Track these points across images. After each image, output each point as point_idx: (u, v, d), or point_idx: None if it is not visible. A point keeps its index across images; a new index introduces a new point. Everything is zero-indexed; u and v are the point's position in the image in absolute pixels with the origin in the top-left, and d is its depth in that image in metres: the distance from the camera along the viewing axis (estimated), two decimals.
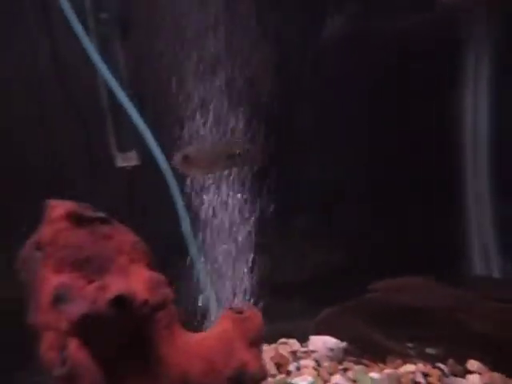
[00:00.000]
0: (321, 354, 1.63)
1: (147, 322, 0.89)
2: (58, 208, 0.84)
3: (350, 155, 2.02)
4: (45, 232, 0.84)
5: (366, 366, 1.55)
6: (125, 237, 0.88)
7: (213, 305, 1.53)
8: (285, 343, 1.76)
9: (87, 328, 0.78)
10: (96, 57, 1.58)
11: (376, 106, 1.97)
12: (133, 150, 1.72)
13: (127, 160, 1.74)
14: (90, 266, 0.82)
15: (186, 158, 1.33)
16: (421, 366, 1.50)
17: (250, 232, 1.55)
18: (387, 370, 1.50)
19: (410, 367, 1.50)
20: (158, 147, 1.51)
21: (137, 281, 0.84)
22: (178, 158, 1.34)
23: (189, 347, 0.99)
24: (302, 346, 1.74)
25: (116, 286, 0.80)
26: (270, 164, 1.48)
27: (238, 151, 1.39)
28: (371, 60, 1.95)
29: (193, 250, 1.54)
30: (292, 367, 1.57)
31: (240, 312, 1.06)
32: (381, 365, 1.56)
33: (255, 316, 1.04)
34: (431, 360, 1.53)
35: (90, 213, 0.84)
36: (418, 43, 1.94)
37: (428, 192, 1.97)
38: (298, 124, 1.97)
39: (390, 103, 1.97)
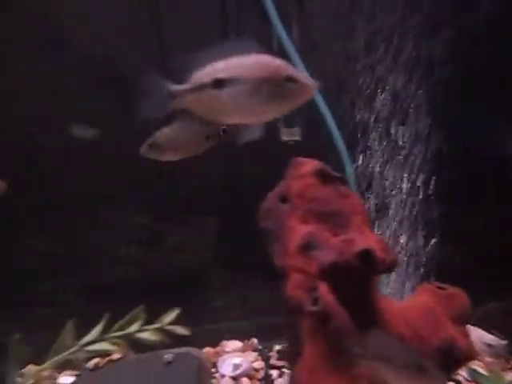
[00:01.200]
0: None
1: (371, 280, 0.96)
2: (306, 165, 0.94)
3: None
4: (293, 186, 0.94)
5: None
6: (357, 199, 0.95)
7: None
8: None
9: (334, 275, 0.87)
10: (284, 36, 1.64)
11: None
12: (297, 126, 1.82)
13: (291, 135, 1.84)
14: (333, 220, 0.91)
15: (154, 146, 1.26)
16: None
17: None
18: None
19: None
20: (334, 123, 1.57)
21: (372, 240, 0.91)
22: (144, 147, 1.26)
23: (395, 312, 1.04)
24: None
25: (361, 241, 0.87)
26: None
27: (222, 129, 1.28)
28: None
29: None
30: None
31: (441, 288, 1.08)
32: None
33: (460, 295, 1.06)
34: None
35: (333, 172, 0.92)
36: None
37: None
38: None
39: None
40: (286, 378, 1.53)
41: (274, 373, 1.56)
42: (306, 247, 0.89)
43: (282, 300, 0.92)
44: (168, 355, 1.35)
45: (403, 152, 1.51)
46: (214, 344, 1.79)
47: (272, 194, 1.00)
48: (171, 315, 1.00)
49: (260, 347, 1.77)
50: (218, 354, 1.69)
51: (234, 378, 1.47)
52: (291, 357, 0.93)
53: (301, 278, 0.89)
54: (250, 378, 1.50)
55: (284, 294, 0.92)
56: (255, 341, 1.79)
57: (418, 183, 1.51)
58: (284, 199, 0.96)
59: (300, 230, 0.91)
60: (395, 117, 1.54)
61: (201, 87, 0.87)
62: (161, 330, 0.97)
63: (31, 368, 0.94)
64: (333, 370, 0.82)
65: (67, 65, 1.85)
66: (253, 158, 2.14)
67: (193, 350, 1.42)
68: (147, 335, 0.97)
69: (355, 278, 0.89)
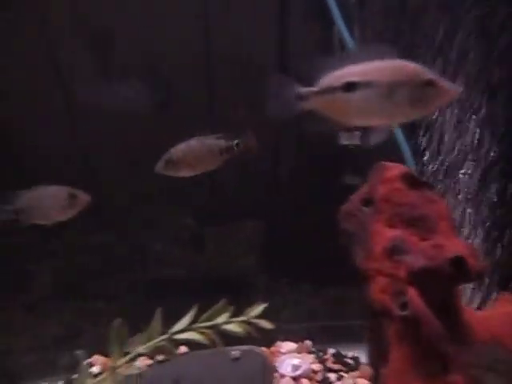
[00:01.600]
0: None
1: (457, 287, 0.95)
2: (393, 169, 0.95)
3: None
4: (379, 190, 0.94)
5: None
6: (443, 204, 0.95)
7: None
8: None
9: (423, 280, 0.87)
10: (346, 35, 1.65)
11: None
12: (358, 130, 1.82)
13: (350, 139, 1.84)
14: (420, 225, 0.91)
15: (169, 163, 1.29)
16: None
17: None
18: None
19: None
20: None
21: (461, 246, 0.90)
22: (160, 164, 1.30)
23: (477, 321, 1.02)
24: None
25: (452, 247, 0.86)
26: None
27: (235, 143, 1.32)
28: None
29: None
30: None
31: None
32: None
33: None
34: None
35: (419, 177, 0.92)
36: None
37: None
38: None
39: None
40: (344, 382, 1.53)
41: (332, 376, 1.56)
42: (393, 251, 0.90)
43: (361, 303, 0.92)
44: (235, 351, 1.38)
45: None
46: (268, 344, 1.82)
47: (355, 196, 1.01)
48: (258, 309, 1.03)
49: (314, 349, 1.77)
50: (273, 355, 1.71)
51: (294, 379, 1.49)
52: (374, 360, 0.94)
53: (386, 282, 0.90)
54: (310, 379, 1.51)
55: (367, 297, 0.92)
56: (309, 343, 1.79)
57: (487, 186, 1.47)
58: (367, 202, 0.97)
59: (386, 234, 0.92)
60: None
61: (331, 90, 0.90)
62: (246, 323, 1.00)
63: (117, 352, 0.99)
64: (424, 376, 0.81)
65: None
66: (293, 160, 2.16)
67: (256, 348, 1.45)
68: (233, 327, 1.00)
69: (444, 285, 0.88)
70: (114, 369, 0.93)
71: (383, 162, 0.97)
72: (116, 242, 2.21)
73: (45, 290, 2.11)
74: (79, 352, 1.09)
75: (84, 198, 1.33)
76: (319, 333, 1.99)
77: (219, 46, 1.95)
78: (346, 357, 1.71)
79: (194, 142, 1.36)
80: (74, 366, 1.70)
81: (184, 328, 0.99)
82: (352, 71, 0.91)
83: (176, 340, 0.99)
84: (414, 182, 0.94)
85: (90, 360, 1.75)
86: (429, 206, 0.92)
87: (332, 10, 1.67)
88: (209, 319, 1.01)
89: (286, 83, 0.93)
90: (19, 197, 1.31)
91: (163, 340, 0.97)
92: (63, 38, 1.86)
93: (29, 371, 1.71)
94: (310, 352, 1.73)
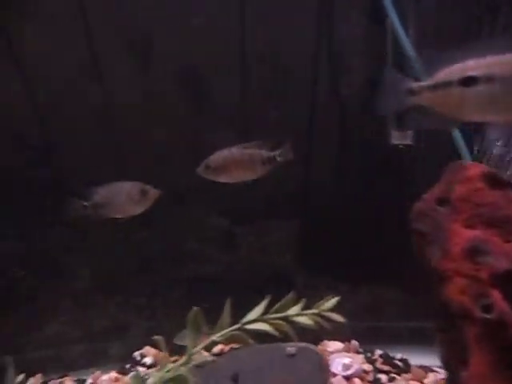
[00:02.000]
0: None
1: None
2: (473, 169, 0.93)
3: None
4: (457, 189, 0.93)
5: None
6: None
7: None
8: None
9: (507, 283, 0.85)
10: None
11: None
12: (409, 129, 1.79)
13: (402, 138, 1.81)
14: (503, 226, 0.89)
15: (208, 168, 1.32)
16: None
17: None
18: None
19: None
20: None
21: None
22: (201, 168, 1.34)
23: None
24: None
25: None
26: None
27: (276, 153, 1.33)
28: None
29: None
30: None
31: None
32: None
33: None
34: None
35: (503, 177, 0.90)
36: None
37: None
38: None
39: None
40: None
41: (383, 377, 1.55)
42: (474, 252, 0.88)
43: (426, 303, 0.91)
44: (291, 348, 1.39)
45: None
46: (315, 343, 1.82)
47: (428, 196, 0.99)
48: (330, 302, 1.02)
49: (361, 350, 1.76)
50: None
51: (347, 378, 1.48)
52: (449, 362, 0.92)
53: (466, 283, 0.88)
54: (361, 379, 1.50)
55: (443, 298, 0.91)
56: (356, 343, 1.78)
57: None
58: (443, 202, 0.95)
59: (465, 234, 0.90)
60: None
61: (447, 84, 0.88)
62: (318, 316, 0.99)
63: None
64: (509, 381, 0.80)
65: None
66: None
67: (311, 346, 1.45)
68: (304, 319, 1.00)
69: None
70: (190, 356, 0.95)
71: (460, 161, 0.96)
72: (154, 239, 2.26)
73: (88, 283, 2.17)
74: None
75: (154, 193, 1.37)
76: (362, 333, 1.98)
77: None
78: (394, 358, 1.69)
79: (235, 150, 1.37)
80: (125, 356, 1.76)
81: (255, 319, 1.00)
82: (470, 65, 0.88)
83: (247, 330, 1.00)
84: (496, 181, 0.92)
85: (141, 351, 1.81)
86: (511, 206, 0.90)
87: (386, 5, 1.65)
88: (279, 311, 1.02)
89: (396, 78, 0.93)
90: (95, 192, 1.36)
91: (235, 330, 0.98)
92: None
93: (81, 360, 1.77)
94: (358, 352, 1.72)
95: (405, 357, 1.71)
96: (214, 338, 0.96)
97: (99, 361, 1.75)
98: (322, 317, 1.00)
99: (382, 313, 2.24)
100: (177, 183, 1.99)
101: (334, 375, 1.50)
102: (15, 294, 2.03)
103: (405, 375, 1.54)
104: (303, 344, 1.41)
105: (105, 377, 1.69)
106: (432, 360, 1.48)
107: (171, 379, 0.98)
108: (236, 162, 1.37)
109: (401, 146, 1.84)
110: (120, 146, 2.07)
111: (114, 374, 1.69)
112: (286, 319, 0.99)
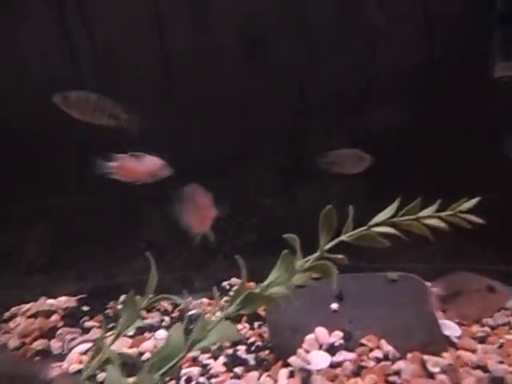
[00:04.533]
0: None
1: None
2: None
3: None
4: None
5: None
6: None
7: None
8: None
9: None
10: None
11: None
12: None
13: (508, 70, 1.67)
14: None
15: (65, 98, 1.38)
16: None
17: None
18: None
19: None
20: None
21: None
22: (58, 96, 1.39)
23: None
24: None
25: None
26: None
27: (124, 115, 1.41)
28: None
29: None
30: None
31: None
32: None
33: None
34: None
35: None
36: None
37: None
38: None
39: None
40: None
41: None
42: None
43: None
44: (392, 274, 1.36)
45: None
46: None
47: None
48: (468, 203, 0.95)
49: None
50: None
51: None
52: None
53: None
54: None
55: None
56: None
57: None
58: None
59: None
60: None
61: None
62: (455, 217, 0.94)
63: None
64: None
65: None
66: None
67: (409, 275, 1.42)
68: (437, 222, 0.95)
69: None
70: (322, 251, 0.93)
71: None
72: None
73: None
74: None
75: None
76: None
77: None
78: None
79: (93, 96, 1.45)
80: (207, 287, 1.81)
81: (382, 221, 0.96)
82: None
83: (376, 232, 0.97)
84: None
85: (229, 282, 1.88)
86: None
87: None
88: (410, 213, 0.97)
89: None
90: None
91: (363, 231, 0.95)
92: None
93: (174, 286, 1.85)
94: None
95: None
96: (343, 237, 0.94)
97: (189, 289, 1.82)
98: (460, 218, 0.92)
99: (461, 256, 2.08)
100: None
101: None
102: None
103: None
104: (402, 273, 1.38)
105: (196, 302, 1.77)
106: None
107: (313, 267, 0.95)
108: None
109: (505, 80, 1.70)
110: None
111: (205, 300, 1.78)
112: (417, 221, 0.94)
